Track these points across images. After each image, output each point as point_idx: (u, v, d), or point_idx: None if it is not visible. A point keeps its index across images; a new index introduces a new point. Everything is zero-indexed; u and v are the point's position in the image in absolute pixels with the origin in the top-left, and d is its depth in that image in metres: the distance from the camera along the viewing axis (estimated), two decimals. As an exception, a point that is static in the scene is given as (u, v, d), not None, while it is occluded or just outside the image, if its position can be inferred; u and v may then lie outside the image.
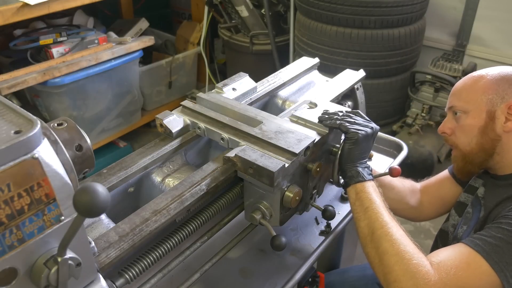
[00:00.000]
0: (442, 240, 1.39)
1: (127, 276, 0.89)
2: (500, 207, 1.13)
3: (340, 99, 1.44)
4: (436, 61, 3.20)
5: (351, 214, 1.24)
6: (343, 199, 1.48)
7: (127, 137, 3.51)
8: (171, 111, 1.24)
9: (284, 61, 3.50)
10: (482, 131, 1.19)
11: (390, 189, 1.42)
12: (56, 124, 0.80)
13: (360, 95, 1.53)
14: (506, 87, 1.17)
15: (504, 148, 1.18)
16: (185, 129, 1.22)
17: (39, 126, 0.62)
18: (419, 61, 3.33)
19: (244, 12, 3.49)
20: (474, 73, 1.25)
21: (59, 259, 0.65)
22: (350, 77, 1.51)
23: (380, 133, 1.74)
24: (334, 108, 1.25)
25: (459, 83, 1.28)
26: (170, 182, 1.13)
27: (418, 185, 1.53)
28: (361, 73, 1.53)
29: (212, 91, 1.35)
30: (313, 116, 1.20)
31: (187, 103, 1.27)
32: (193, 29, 3.85)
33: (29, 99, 3.03)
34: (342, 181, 1.20)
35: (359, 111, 1.24)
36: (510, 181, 1.19)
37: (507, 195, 1.13)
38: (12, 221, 0.61)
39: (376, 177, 1.20)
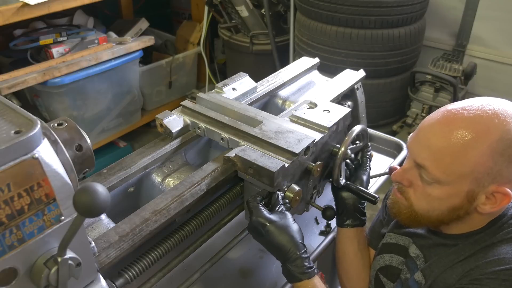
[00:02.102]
0: None
1: (127, 276, 0.89)
2: (450, 272, 0.95)
3: (340, 99, 1.44)
4: (436, 61, 3.20)
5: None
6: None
7: (127, 137, 3.51)
8: (171, 111, 1.24)
9: (284, 61, 3.49)
10: (451, 209, 0.94)
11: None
12: (56, 124, 0.80)
13: (360, 95, 1.53)
14: (504, 166, 0.87)
15: (465, 219, 0.96)
16: (185, 129, 1.22)
17: (39, 126, 0.62)
18: (419, 61, 3.33)
19: (244, 12, 3.48)
20: (465, 130, 0.88)
21: (59, 259, 0.65)
22: (350, 77, 1.50)
23: (380, 133, 1.76)
24: (335, 110, 1.24)
25: (442, 139, 0.90)
26: (170, 182, 1.13)
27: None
28: (361, 73, 1.53)
29: (212, 91, 1.34)
30: (313, 116, 1.20)
31: (187, 103, 1.27)
32: (193, 29, 3.85)
33: (29, 99, 3.03)
34: (342, 181, 1.20)
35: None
36: (458, 241, 0.98)
37: (458, 259, 0.95)
38: (12, 221, 0.61)
39: (376, 176, 1.19)
